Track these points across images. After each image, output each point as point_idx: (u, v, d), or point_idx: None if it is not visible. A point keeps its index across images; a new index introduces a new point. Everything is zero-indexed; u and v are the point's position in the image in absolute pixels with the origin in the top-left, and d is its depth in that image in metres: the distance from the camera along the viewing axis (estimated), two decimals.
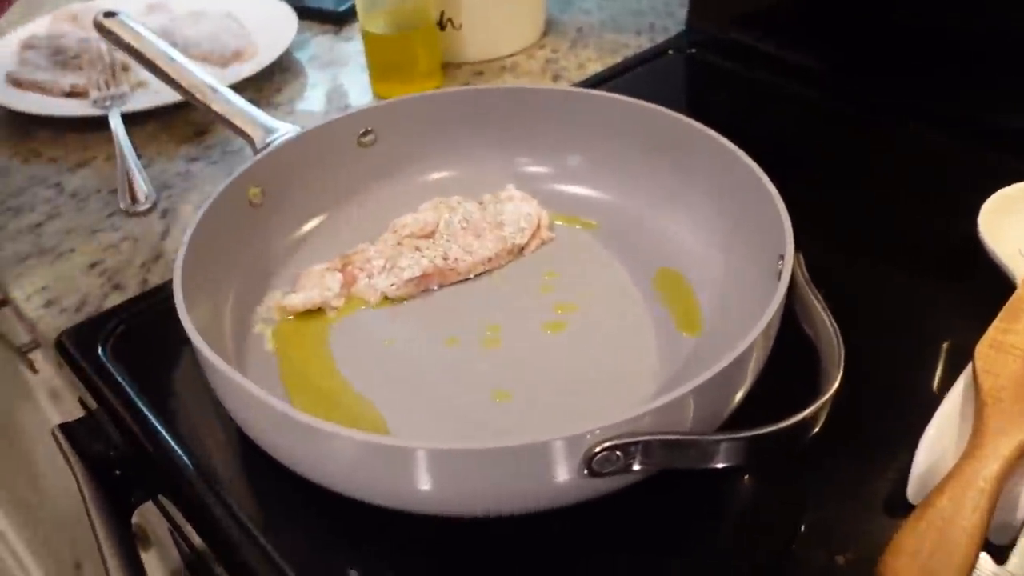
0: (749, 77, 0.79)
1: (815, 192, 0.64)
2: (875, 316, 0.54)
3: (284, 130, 0.60)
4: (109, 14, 0.71)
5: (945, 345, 0.51)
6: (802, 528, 0.44)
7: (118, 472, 0.55)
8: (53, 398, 0.91)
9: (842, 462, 0.46)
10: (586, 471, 0.38)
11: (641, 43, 0.86)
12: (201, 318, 0.48)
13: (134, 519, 0.75)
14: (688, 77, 0.83)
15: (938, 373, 0.49)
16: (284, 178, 0.58)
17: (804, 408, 0.39)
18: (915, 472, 0.42)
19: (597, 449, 0.37)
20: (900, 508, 0.43)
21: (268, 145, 0.58)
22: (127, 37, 0.69)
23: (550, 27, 0.90)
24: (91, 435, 0.57)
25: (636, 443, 0.37)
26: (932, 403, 0.46)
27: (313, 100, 0.83)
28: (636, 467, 0.38)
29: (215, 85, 0.64)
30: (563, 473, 0.38)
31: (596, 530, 0.44)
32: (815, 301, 0.44)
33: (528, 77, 0.83)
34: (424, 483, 0.39)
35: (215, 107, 0.62)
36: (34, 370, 0.81)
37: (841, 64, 0.76)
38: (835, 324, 0.42)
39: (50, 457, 1.09)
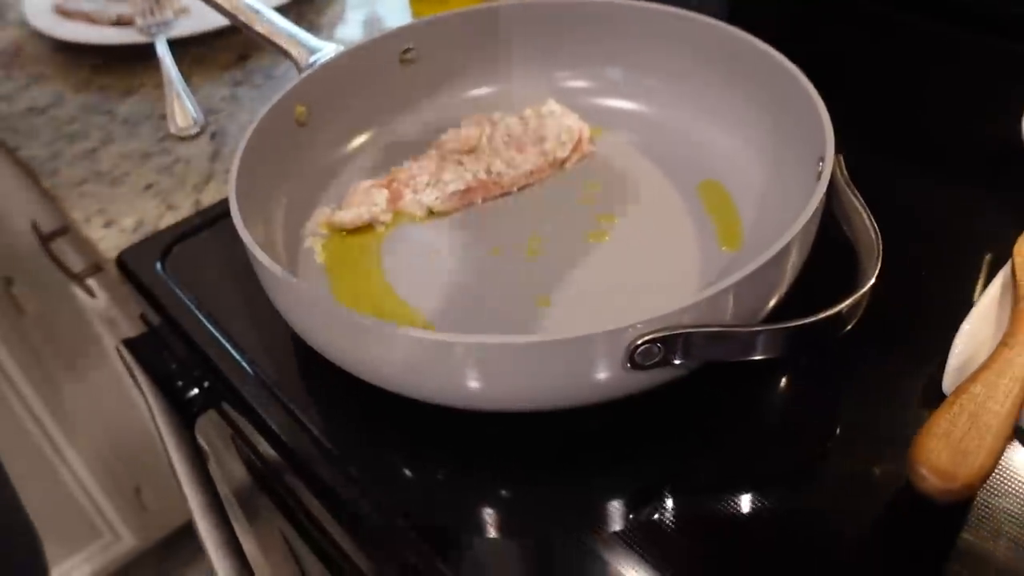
0: None
1: (852, 96, 0.64)
2: (915, 219, 0.54)
3: (327, 49, 0.61)
4: None
5: (985, 247, 0.52)
6: (841, 421, 0.45)
7: (180, 383, 0.58)
8: (110, 325, 0.95)
9: (881, 360, 0.47)
10: (628, 364, 0.39)
11: None
12: (255, 233, 0.50)
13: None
14: None
15: (977, 274, 0.50)
16: (329, 97, 0.59)
17: (840, 303, 0.40)
18: (950, 365, 0.43)
19: (639, 342, 0.38)
20: (936, 400, 0.44)
21: (312, 64, 0.59)
22: None
23: None
24: (154, 349, 0.60)
25: (676, 335, 0.39)
26: (970, 302, 0.46)
27: (353, 23, 0.83)
28: (677, 360, 0.40)
29: (258, 7, 0.65)
30: (606, 367, 0.40)
31: (638, 426, 0.45)
32: (855, 201, 0.45)
33: None
34: (471, 378, 0.41)
35: (259, 28, 0.63)
36: (92, 295, 0.84)
37: None
38: (874, 222, 0.43)
39: (110, 385, 1.14)
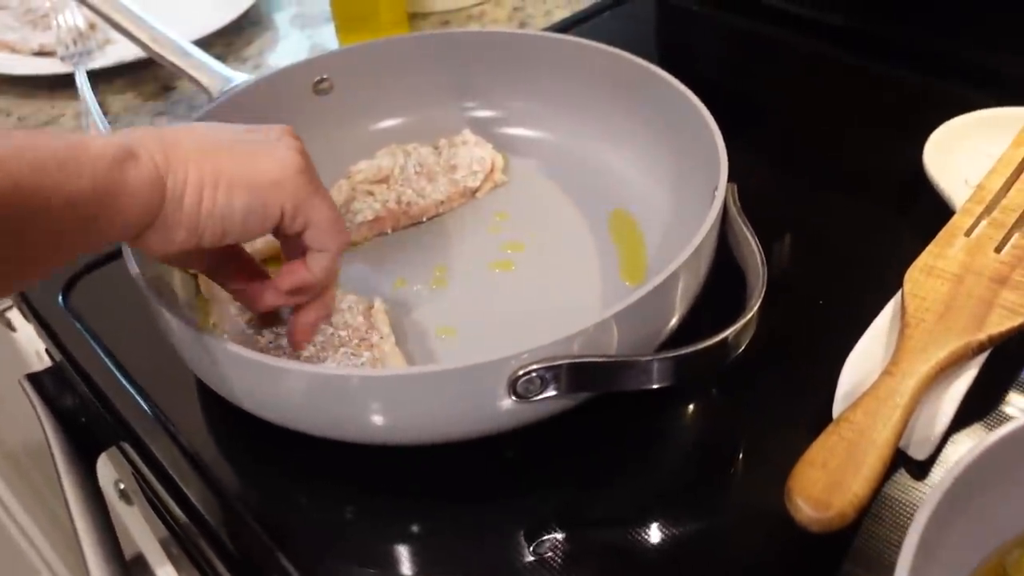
0: (716, 19, 0.79)
1: (767, 132, 0.65)
2: (818, 246, 0.55)
3: (240, 79, 0.60)
4: None
5: (884, 272, 0.52)
6: (740, 448, 0.45)
7: (83, 420, 0.57)
8: (37, 358, 0.92)
9: (780, 385, 0.47)
10: (512, 396, 0.39)
11: None
12: (151, 267, 0.50)
13: (118, 478, 0.77)
14: (655, 21, 0.83)
15: (874, 300, 0.50)
16: None
17: (724, 330, 0.39)
18: (839, 392, 0.43)
19: (520, 373, 0.38)
20: (826, 426, 0.44)
21: (224, 94, 0.59)
22: None
23: None
24: (57, 384, 0.58)
25: (556, 367, 0.38)
26: (866, 328, 0.47)
27: (283, 54, 0.83)
28: (557, 390, 0.39)
29: (175, 38, 0.65)
30: (490, 398, 0.39)
31: (543, 457, 0.45)
32: (745, 229, 0.45)
33: (494, 25, 0.83)
34: (362, 411, 0.41)
35: (171, 58, 0.62)
36: (12, 328, 0.82)
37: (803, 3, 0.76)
38: (761, 249, 0.43)
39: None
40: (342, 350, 0.45)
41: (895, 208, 0.57)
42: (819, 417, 0.44)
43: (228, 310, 0.48)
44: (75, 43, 0.79)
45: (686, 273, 0.43)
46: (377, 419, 0.41)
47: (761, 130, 0.65)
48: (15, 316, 0.82)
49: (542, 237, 0.56)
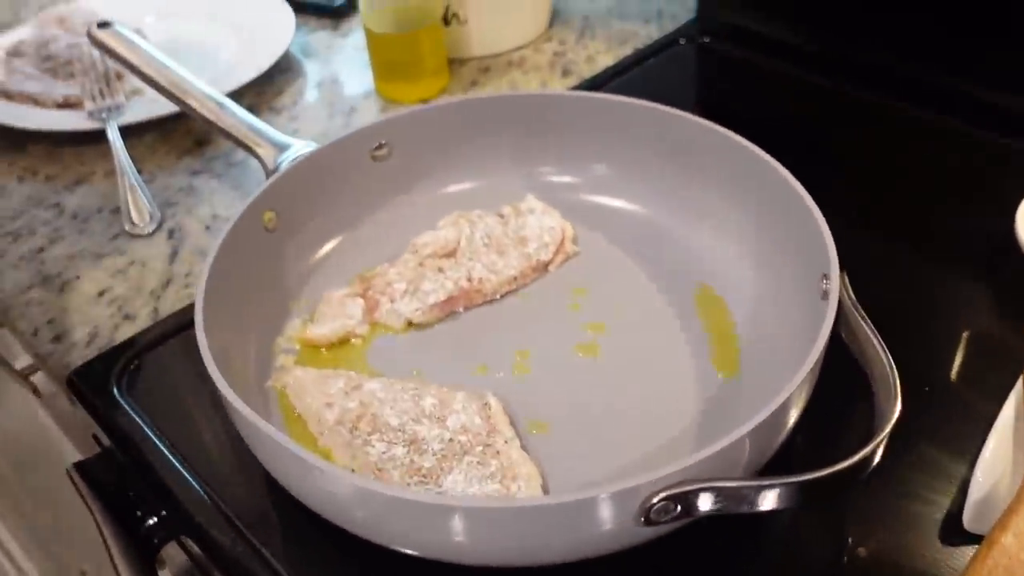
0: (764, 67, 0.77)
1: (843, 192, 0.63)
2: (913, 322, 0.52)
3: (295, 147, 0.58)
4: (103, 24, 0.68)
5: (988, 352, 0.50)
6: (850, 558, 0.43)
7: (139, 513, 0.54)
8: (57, 419, 0.89)
9: (890, 484, 0.44)
10: (642, 520, 0.36)
11: (650, 32, 0.84)
12: (221, 356, 0.47)
13: None
14: (701, 68, 0.81)
15: (985, 383, 0.48)
16: (298, 200, 0.56)
17: (861, 447, 0.37)
18: (971, 499, 0.41)
19: (655, 500, 0.36)
20: (956, 535, 0.42)
21: (279, 166, 0.56)
22: (123, 49, 0.66)
23: (556, 17, 0.88)
24: (108, 473, 0.55)
25: (694, 492, 0.36)
26: (980, 415, 0.45)
27: (316, 102, 0.80)
28: (687, 515, 0.37)
29: (220, 99, 0.62)
30: (617, 524, 0.37)
31: (639, 568, 0.42)
32: (864, 326, 0.43)
33: (536, 72, 0.81)
34: (464, 537, 0.38)
35: (222, 124, 0.60)
36: (38, 394, 0.79)
37: (865, 50, 0.73)
38: (888, 353, 0.41)
39: (47, 466, 1.07)
40: (466, 459, 0.42)
41: (984, 280, 0.55)
42: (948, 523, 0.42)
43: (325, 416, 0.46)
44: (103, 95, 0.76)
45: (809, 380, 0.40)
46: (478, 546, 0.38)
47: (830, 196, 0.63)
48: (40, 380, 0.78)
49: (624, 316, 0.53)
